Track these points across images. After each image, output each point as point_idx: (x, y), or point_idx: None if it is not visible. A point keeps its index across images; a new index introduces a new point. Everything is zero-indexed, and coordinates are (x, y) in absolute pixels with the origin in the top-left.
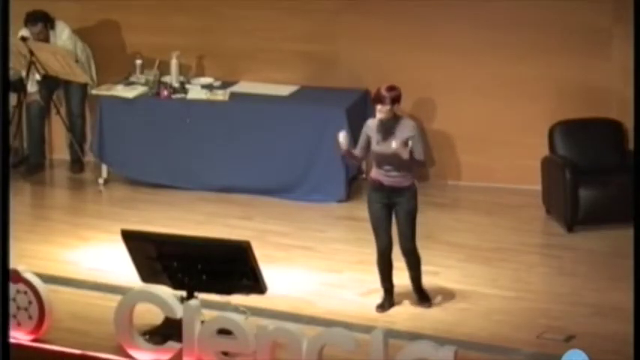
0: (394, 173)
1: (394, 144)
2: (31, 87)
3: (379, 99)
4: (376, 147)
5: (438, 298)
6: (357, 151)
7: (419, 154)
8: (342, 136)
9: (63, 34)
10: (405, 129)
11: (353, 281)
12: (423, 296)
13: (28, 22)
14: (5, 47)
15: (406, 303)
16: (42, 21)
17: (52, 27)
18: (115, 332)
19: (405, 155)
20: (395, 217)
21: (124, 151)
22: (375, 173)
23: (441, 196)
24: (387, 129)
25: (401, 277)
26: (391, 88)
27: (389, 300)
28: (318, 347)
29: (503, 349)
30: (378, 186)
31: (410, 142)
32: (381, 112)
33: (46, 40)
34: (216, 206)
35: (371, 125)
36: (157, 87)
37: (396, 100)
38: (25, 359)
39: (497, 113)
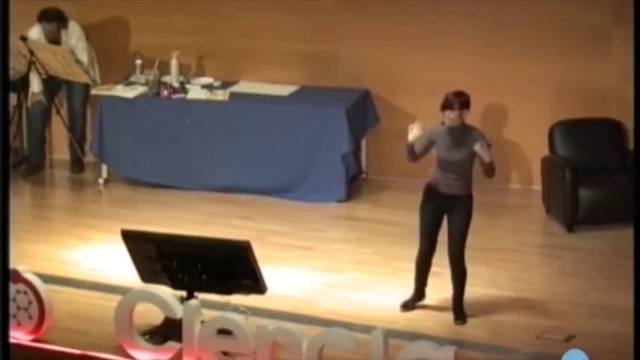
0: (455, 181)
1: (477, 146)
2: (37, 87)
3: (448, 105)
4: (444, 154)
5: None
6: (417, 149)
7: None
8: (417, 127)
9: (75, 33)
10: (474, 137)
11: (353, 281)
12: (460, 313)
13: (44, 19)
14: (5, 47)
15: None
16: (57, 20)
17: (65, 26)
18: (115, 332)
19: (487, 158)
20: (448, 224)
21: (124, 151)
22: (434, 179)
23: None
24: (456, 136)
25: (402, 277)
26: (459, 94)
27: (417, 298)
28: (318, 347)
29: (503, 349)
30: (435, 192)
31: (490, 147)
32: (450, 118)
33: (57, 39)
34: (216, 206)
35: (438, 131)
36: (157, 87)
37: (465, 105)
38: (25, 359)
39: (497, 113)
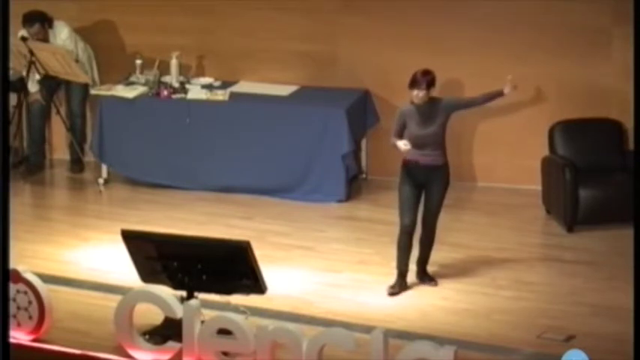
0: (431, 153)
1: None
2: (32, 87)
3: (417, 84)
4: (417, 131)
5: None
6: (397, 139)
7: (468, 99)
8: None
9: (62, 34)
10: (442, 106)
11: (352, 281)
12: (426, 274)
13: (26, 23)
14: (5, 47)
15: (406, 303)
16: (39, 21)
17: (51, 26)
18: (115, 332)
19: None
20: (427, 193)
21: (124, 151)
22: (411, 154)
23: None
24: (425, 112)
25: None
26: (426, 72)
27: (401, 283)
28: (318, 347)
29: (503, 349)
30: (415, 166)
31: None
32: (418, 97)
33: (45, 40)
34: (216, 206)
35: (406, 112)
36: (157, 87)
37: (431, 83)
38: (25, 359)
39: (497, 113)
